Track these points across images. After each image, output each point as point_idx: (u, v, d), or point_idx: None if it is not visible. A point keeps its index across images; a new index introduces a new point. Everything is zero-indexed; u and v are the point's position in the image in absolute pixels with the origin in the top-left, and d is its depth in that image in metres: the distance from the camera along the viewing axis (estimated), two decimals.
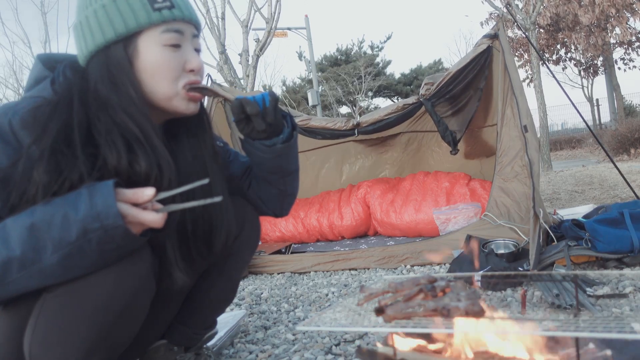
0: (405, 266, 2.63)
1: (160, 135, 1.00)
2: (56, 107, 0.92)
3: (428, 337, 1.03)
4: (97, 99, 0.95)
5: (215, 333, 1.47)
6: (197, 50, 1.06)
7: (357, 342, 1.51)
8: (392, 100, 22.15)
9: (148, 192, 0.85)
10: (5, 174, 0.86)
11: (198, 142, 1.13)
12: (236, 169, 1.28)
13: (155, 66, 0.98)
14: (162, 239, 1.01)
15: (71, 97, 0.94)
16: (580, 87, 19.60)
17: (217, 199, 0.88)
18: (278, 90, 23.40)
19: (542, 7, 9.99)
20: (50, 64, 1.01)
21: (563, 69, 16.09)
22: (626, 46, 13.81)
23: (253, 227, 1.29)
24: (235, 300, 2.27)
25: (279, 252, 3.14)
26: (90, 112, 0.94)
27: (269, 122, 1.14)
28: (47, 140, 0.87)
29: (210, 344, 1.43)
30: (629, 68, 14.56)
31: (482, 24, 12.62)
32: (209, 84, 3.64)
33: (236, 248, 1.25)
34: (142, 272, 0.93)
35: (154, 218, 0.85)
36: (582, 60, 15.56)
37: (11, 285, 0.83)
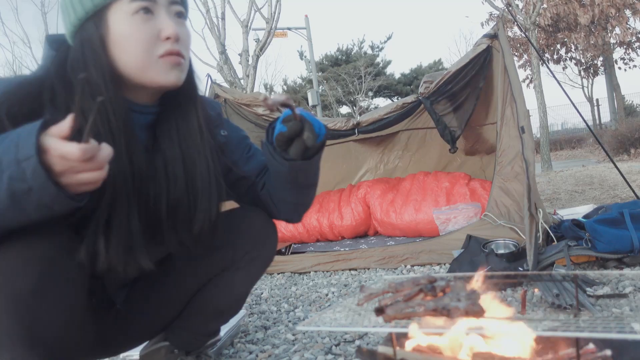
0: (405, 266, 2.63)
1: (128, 124, 0.95)
2: (38, 86, 0.90)
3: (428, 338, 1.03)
4: (73, 82, 0.91)
5: (219, 340, 1.47)
6: (180, 16, 0.98)
7: (357, 342, 1.51)
8: (392, 100, 22.15)
9: (67, 122, 0.74)
10: None
11: (186, 125, 1.05)
12: (253, 167, 1.22)
13: (124, 37, 0.93)
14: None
15: (58, 76, 0.92)
16: (580, 87, 19.60)
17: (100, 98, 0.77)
18: (279, 90, 23.39)
19: (542, 7, 9.99)
20: (56, 44, 0.98)
21: (563, 69, 16.11)
22: (626, 46, 13.80)
23: (271, 246, 1.27)
24: None
25: (279, 252, 3.14)
26: (67, 96, 0.91)
27: (307, 154, 1.05)
28: (19, 117, 0.84)
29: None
30: (629, 68, 14.56)
31: (482, 25, 12.64)
32: (208, 84, 3.65)
33: (252, 263, 1.24)
34: (45, 255, 0.84)
35: (71, 149, 0.73)
36: (582, 60, 15.55)
37: None
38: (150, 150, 1.04)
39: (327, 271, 2.77)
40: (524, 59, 13.83)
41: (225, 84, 8.50)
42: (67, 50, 0.97)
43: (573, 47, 14.32)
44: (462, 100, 3.12)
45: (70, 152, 0.73)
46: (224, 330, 1.58)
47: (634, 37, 13.14)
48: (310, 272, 2.80)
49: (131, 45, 0.93)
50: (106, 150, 0.78)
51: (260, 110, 3.48)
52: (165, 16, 0.95)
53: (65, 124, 0.73)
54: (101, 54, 0.93)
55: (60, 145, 0.73)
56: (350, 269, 2.74)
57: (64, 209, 0.79)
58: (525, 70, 14.03)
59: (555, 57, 14.73)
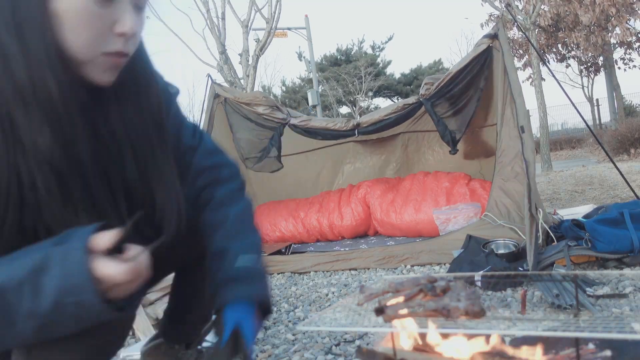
0: (405, 266, 2.63)
1: (76, 101, 0.79)
2: None
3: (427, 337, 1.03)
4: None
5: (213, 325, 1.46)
6: (139, 8, 0.83)
7: (357, 342, 1.51)
8: (392, 100, 22.14)
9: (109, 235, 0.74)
10: None
11: (138, 106, 0.89)
12: (203, 161, 1.10)
13: (74, 19, 0.76)
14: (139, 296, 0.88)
15: None
16: (581, 87, 19.59)
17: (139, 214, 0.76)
18: (278, 91, 23.40)
19: (542, 7, 9.99)
20: None
21: (567, 67, 16.09)
22: (626, 46, 13.80)
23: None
24: None
25: (279, 252, 3.14)
26: None
27: None
28: None
29: (209, 338, 1.42)
30: (629, 68, 14.55)
31: (482, 26, 12.63)
32: (209, 84, 3.65)
33: None
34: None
35: (117, 272, 0.73)
36: (583, 59, 15.55)
37: None
38: (96, 133, 0.87)
39: (327, 271, 2.77)
40: (524, 59, 13.82)
41: (225, 84, 8.50)
42: None
43: (574, 46, 14.31)
44: (464, 102, 3.12)
45: (118, 276, 0.73)
46: None
47: (634, 37, 13.14)
48: (310, 272, 2.80)
49: (79, 30, 0.77)
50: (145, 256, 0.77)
51: (260, 110, 3.48)
52: (127, 6, 0.80)
53: (106, 241, 0.74)
54: (44, 21, 0.75)
55: (115, 275, 0.73)
56: (350, 269, 2.74)
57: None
58: (525, 71, 14.03)
59: (559, 56, 14.72)
